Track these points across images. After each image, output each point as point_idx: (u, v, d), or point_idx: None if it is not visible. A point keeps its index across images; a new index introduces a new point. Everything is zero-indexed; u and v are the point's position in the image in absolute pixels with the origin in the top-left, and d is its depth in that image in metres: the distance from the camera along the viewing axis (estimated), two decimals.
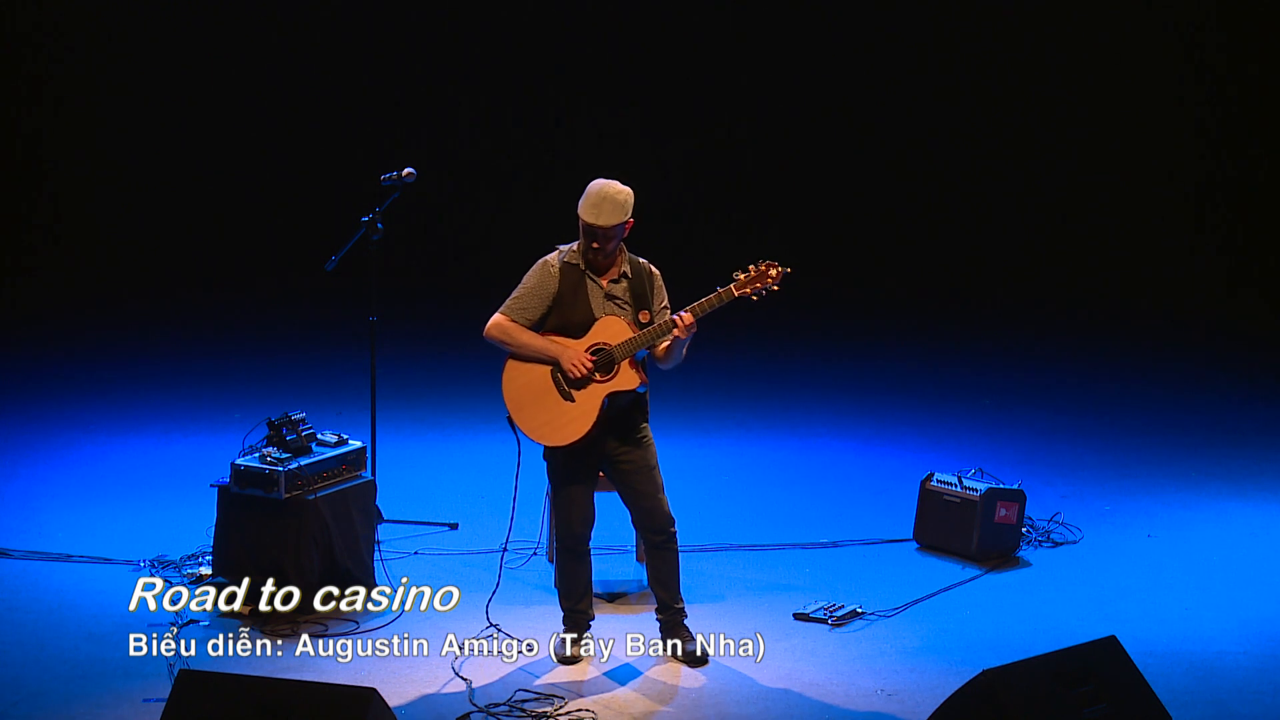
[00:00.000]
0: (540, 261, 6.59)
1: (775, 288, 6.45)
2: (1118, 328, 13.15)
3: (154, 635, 6.78)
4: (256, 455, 7.15)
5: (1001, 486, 7.95)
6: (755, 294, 6.43)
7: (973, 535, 7.87)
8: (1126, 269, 14.07)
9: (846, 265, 14.33)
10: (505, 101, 14.58)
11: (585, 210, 6.42)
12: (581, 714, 6.24)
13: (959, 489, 7.98)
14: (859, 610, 7.20)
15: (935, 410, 10.65)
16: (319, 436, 7.43)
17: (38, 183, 13.99)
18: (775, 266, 6.44)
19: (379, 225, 8.01)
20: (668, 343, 6.46)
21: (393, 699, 6.14)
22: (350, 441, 7.47)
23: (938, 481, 8.08)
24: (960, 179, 14.51)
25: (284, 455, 7.15)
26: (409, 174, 8.04)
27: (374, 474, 7.66)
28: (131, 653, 6.64)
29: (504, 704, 6.27)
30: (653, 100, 14.60)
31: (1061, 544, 8.13)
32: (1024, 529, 8.07)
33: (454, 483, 8.99)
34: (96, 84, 14.00)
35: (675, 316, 6.39)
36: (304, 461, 7.16)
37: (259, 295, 13.72)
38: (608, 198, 6.42)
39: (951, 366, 11.88)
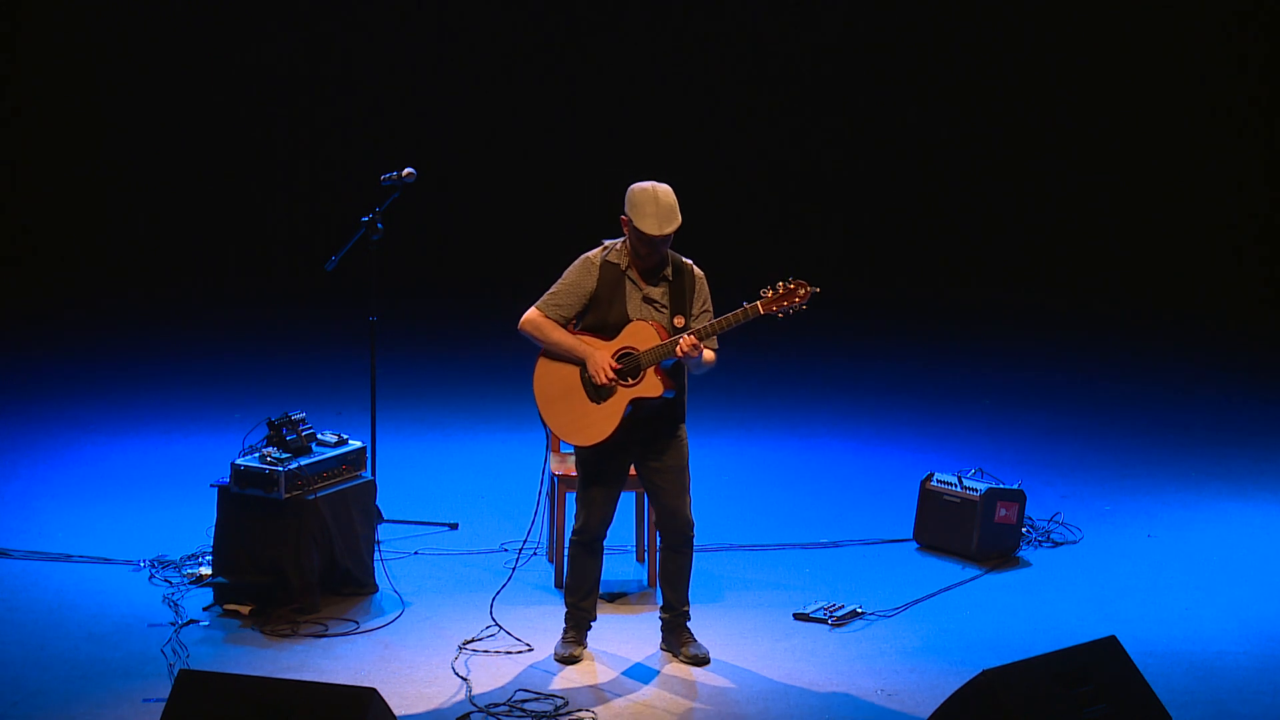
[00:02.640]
0: (582, 257, 6.55)
1: (804, 308, 6.40)
2: (1118, 328, 13.15)
3: (153, 635, 6.81)
4: (256, 455, 7.14)
5: (1001, 486, 7.95)
6: (781, 312, 6.40)
7: (973, 535, 7.86)
8: (1127, 269, 14.07)
9: (846, 265, 14.33)
10: (505, 101, 14.58)
11: (648, 222, 6.33)
12: (581, 714, 6.24)
13: (959, 489, 7.98)
14: (859, 610, 7.20)
15: (935, 410, 10.65)
16: (319, 436, 7.43)
17: (38, 183, 13.98)
18: (804, 286, 6.38)
19: (379, 225, 8.00)
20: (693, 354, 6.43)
21: (393, 699, 6.13)
22: (350, 441, 7.47)
23: (938, 481, 8.08)
24: (961, 179, 14.51)
25: (284, 455, 7.15)
26: (409, 174, 8.04)
27: (374, 474, 7.66)
28: (131, 653, 6.66)
29: (504, 704, 6.26)
30: (652, 99, 14.60)
31: (1061, 544, 8.13)
32: (1024, 529, 8.07)
33: (454, 483, 8.99)
34: (98, 84, 14.00)
35: (680, 338, 6.36)
36: (304, 461, 7.16)
37: (259, 295, 13.72)
38: (669, 205, 6.35)
39: (951, 366, 11.88)
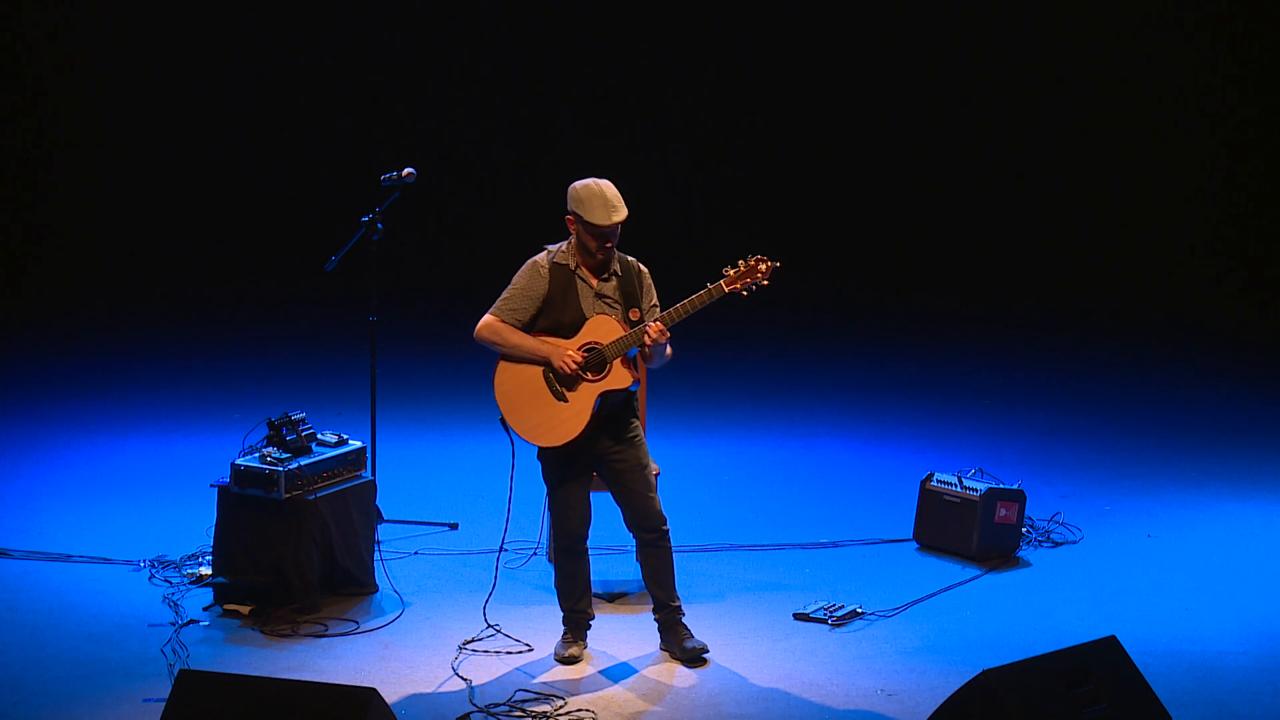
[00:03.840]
0: (529, 262, 6.58)
1: (765, 282, 6.43)
2: (1118, 328, 13.15)
3: (153, 635, 6.81)
4: (256, 455, 7.15)
5: (1001, 486, 7.95)
6: (745, 289, 6.42)
7: (973, 535, 7.86)
8: (1127, 269, 14.06)
9: (846, 265, 14.33)
10: (505, 101, 14.58)
11: (597, 213, 6.37)
12: (581, 714, 6.24)
13: (959, 489, 7.98)
14: (859, 610, 7.20)
15: (935, 410, 10.65)
16: (319, 436, 7.43)
17: (38, 182, 13.98)
18: (765, 261, 6.42)
19: (379, 225, 8.00)
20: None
21: (393, 699, 6.14)
22: (350, 441, 7.47)
23: (938, 481, 8.08)
24: (961, 178, 14.51)
25: (284, 455, 7.15)
26: (409, 174, 8.04)
27: (374, 474, 7.66)
28: (131, 653, 6.66)
29: (504, 704, 6.27)
30: (651, 97, 14.59)
31: (1061, 544, 8.13)
32: (1024, 529, 8.07)
33: (454, 483, 8.99)
34: (97, 83, 14.00)
35: (646, 325, 6.37)
36: (304, 461, 7.16)
37: (259, 295, 13.72)
38: (615, 195, 6.41)
39: (951, 366, 11.88)
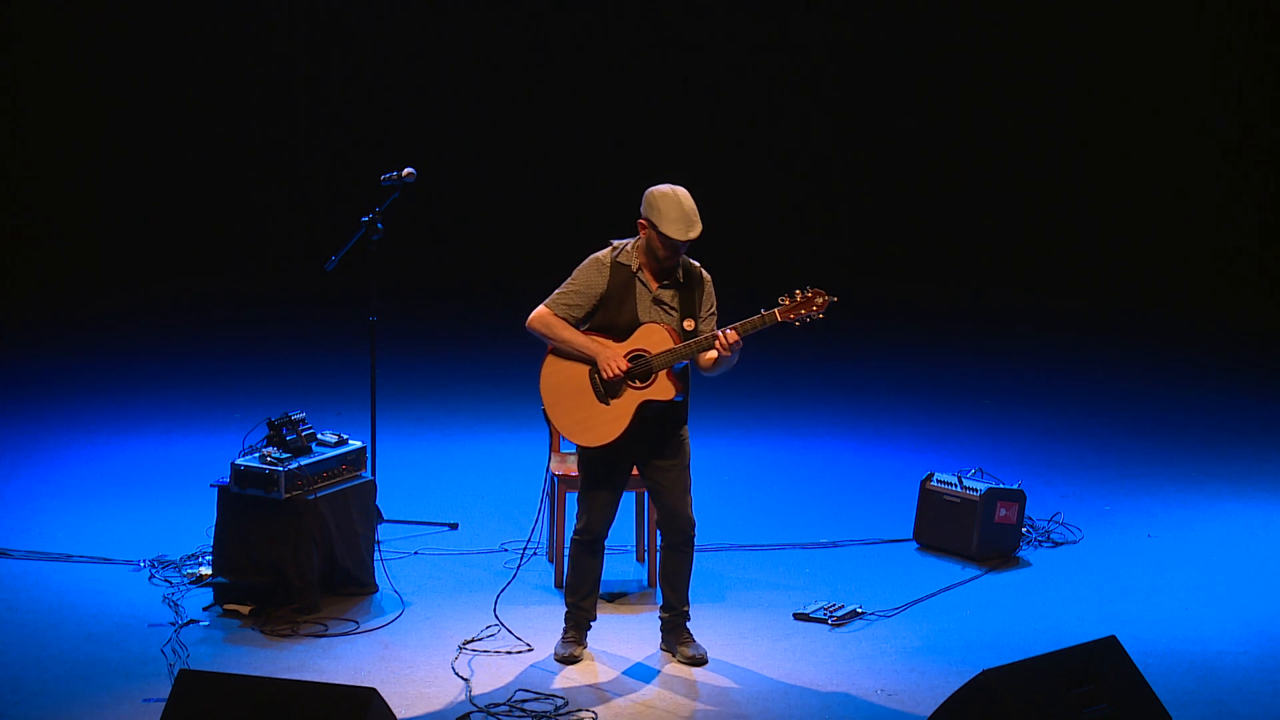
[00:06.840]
0: (592, 257, 6.52)
1: (821, 316, 6.38)
2: (1118, 328, 13.15)
3: (153, 635, 6.81)
4: (256, 455, 7.14)
5: (1001, 486, 7.95)
6: (799, 320, 6.39)
7: (973, 535, 7.87)
8: (1127, 269, 14.06)
9: (846, 264, 14.32)
10: (506, 101, 14.57)
11: (674, 227, 6.28)
12: (582, 714, 6.24)
13: (959, 489, 7.98)
14: (859, 610, 7.20)
15: (935, 410, 10.65)
16: (319, 436, 7.43)
17: (38, 182, 13.97)
18: (822, 295, 6.34)
19: (379, 225, 8.00)
20: (713, 356, 6.39)
21: (393, 699, 6.13)
22: (350, 441, 7.47)
23: (938, 481, 8.08)
24: (961, 178, 14.50)
25: (284, 455, 7.15)
26: (409, 174, 8.04)
27: (374, 474, 7.66)
28: (131, 653, 6.66)
29: (504, 704, 6.27)
30: (652, 99, 14.60)
31: (1061, 544, 8.13)
32: (1024, 529, 8.07)
33: (454, 483, 8.99)
34: (97, 82, 14.00)
35: (720, 333, 6.32)
36: (304, 461, 7.16)
37: (259, 295, 13.72)
38: (691, 209, 6.30)
39: (951, 366, 11.88)
